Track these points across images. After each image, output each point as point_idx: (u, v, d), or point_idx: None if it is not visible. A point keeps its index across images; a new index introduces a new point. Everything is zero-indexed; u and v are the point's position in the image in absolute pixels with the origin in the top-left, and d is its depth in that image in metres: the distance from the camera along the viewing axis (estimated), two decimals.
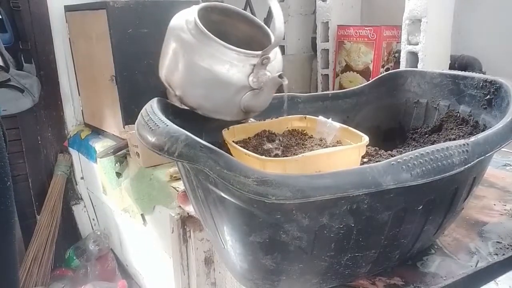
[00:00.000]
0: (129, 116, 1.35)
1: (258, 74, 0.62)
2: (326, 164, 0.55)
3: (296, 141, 0.67)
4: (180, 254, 0.94)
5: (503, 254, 0.61)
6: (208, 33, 0.61)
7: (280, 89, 0.67)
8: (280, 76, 0.62)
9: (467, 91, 0.71)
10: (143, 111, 0.54)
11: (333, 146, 0.64)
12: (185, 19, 0.64)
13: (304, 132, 0.70)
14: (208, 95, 0.64)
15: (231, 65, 0.61)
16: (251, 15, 0.72)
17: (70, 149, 1.79)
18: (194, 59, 0.61)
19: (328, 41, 1.57)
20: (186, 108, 0.69)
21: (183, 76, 0.64)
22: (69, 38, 1.63)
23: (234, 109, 0.65)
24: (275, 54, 0.66)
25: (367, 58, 1.42)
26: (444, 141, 0.63)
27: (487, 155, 0.50)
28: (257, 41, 0.69)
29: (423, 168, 0.45)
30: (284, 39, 1.63)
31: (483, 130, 0.63)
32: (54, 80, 1.71)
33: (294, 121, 0.71)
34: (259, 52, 0.61)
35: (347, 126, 0.65)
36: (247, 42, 0.69)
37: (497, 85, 0.65)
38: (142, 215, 1.31)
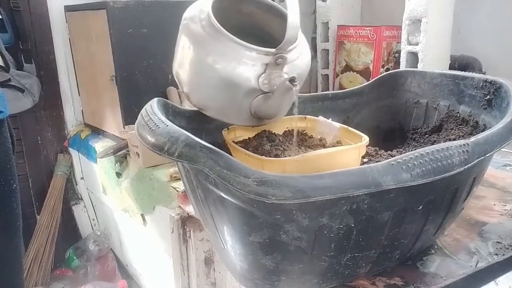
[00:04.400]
0: (129, 116, 1.35)
1: (270, 76, 0.54)
2: (326, 164, 0.55)
3: (296, 141, 0.67)
4: (180, 254, 0.94)
5: (503, 254, 0.61)
6: (218, 25, 0.54)
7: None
8: (291, 80, 0.54)
9: (467, 91, 0.71)
10: (143, 111, 0.54)
11: (333, 146, 0.64)
12: (199, 8, 0.57)
13: (304, 132, 0.70)
14: (213, 96, 0.58)
15: (239, 63, 0.53)
16: (282, 8, 0.62)
17: (70, 149, 1.79)
18: (198, 54, 0.55)
19: (328, 41, 1.57)
20: (186, 108, 0.68)
21: (189, 73, 0.58)
22: (69, 38, 1.63)
23: (243, 114, 0.58)
24: (299, 53, 0.58)
25: (367, 58, 1.42)
26: (444, 141, 0.63)
27: (487, 155, 0.50)
28: None
29: (423, 168, 0.45)
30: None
31: (483, 130, 0.63)
32: (54, 80, 1.71)
33: (294, 121, 0.71)
34: (273, 50, 0.54)
35: (347, 126, 0.65)
36: (279, 39, 0.61)
37: (497, 85, 0.65)
38: (142, 215, 1.32)
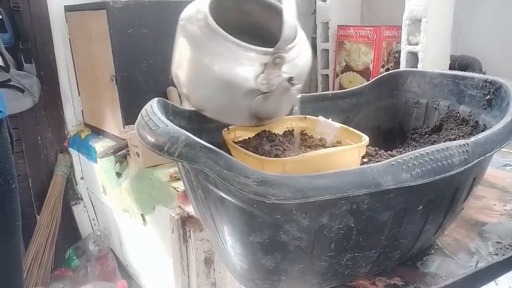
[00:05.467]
0: (129, 116, 1.35)
1: (269, 76, 0.53)
2: (326, 164, 0.55)
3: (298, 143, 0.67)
4: (180, 254, 0.94)
5: (503, 254, 0.61)
6: (215, 24, 0.53)
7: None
8: (289, 80, 0.53)
9: (467, 91, 0.71)
10: (143, 111, 0.54)
11: (333, 146, 0.64)
12: (196, 9, 0.56)
13: (304, 132, 0.70)
14: (212, 97, 0.57)
15: (236, 64, 0.52)
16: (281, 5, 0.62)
17: (70, 149, 1.78)
18: (196, 55, 0.54)
19: (328, 41, 1.57)
20: (186, 108, 0.68)
21: (187, 74, 0.57)
22: (69, 38, 1.63)
23: (242, 114, 0.58)
24: (299, 51, 0.57)
25: (367, 58, 1.42)
26: (444, 141, 0.63)
27: (487, 155, 0.50)
28: None
29: (423, 168, 0.45)
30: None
31: (483, 130, 0.63)
32: (54, 80, 1.71)
33: (294, 121, 0.71)
34: (271, 49, 0.52)
35: (347, 126, 0.65)
36: (279, 38, 0.59)
37: (497, 85, 0.65)
38: (142, 215, 1.31)
